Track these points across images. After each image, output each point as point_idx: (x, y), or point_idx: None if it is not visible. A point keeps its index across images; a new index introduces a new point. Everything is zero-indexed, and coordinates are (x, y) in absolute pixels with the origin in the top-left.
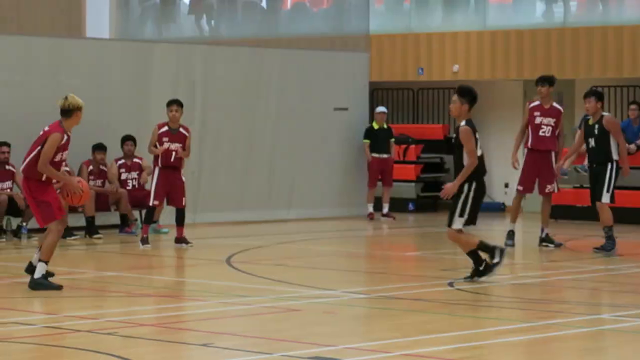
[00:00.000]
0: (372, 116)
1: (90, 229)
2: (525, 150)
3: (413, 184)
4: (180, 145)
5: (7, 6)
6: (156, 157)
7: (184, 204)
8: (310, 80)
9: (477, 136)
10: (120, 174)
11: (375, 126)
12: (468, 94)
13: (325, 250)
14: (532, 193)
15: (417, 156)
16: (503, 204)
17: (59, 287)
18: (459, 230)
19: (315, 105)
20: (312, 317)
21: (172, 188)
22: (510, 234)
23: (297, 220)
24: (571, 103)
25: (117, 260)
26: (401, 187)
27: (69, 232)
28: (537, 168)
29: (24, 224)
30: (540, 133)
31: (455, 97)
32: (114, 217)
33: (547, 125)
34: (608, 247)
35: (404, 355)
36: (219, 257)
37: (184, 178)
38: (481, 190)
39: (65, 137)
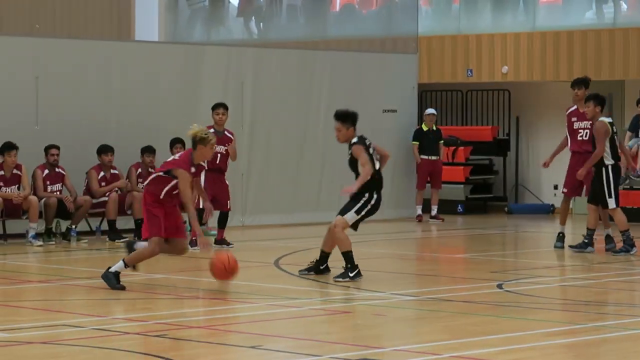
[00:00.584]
0: (421, 118)
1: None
2: (570, 154)
3: (462, 185)
4: (226, 148)
5: (59, 11)
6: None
7: (228, 207)
8: (359, 83)
9: (372, 151)
10: None
11: (425, 128)
12: (349, 118)
13: (373, 252)
14: (581, 196)
15: (465, 158)
16: (552, 205)
17: (121, 287)
18: (346, 226)
19: (365, 108)
20: (361, 319)
21: (218, 191)
22: (560, 236)
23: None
24: (621, 104)
25: (165, 262)
26: (450, 189)
27: (118, 234)
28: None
29: (73, 226)
30: (579, 137)
31: (338, 125)
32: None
33: (584, 129)
34: (625, 249)
35: (453, 357)
36: (268, 259)
37: (227, 181)
38: (376, 206)
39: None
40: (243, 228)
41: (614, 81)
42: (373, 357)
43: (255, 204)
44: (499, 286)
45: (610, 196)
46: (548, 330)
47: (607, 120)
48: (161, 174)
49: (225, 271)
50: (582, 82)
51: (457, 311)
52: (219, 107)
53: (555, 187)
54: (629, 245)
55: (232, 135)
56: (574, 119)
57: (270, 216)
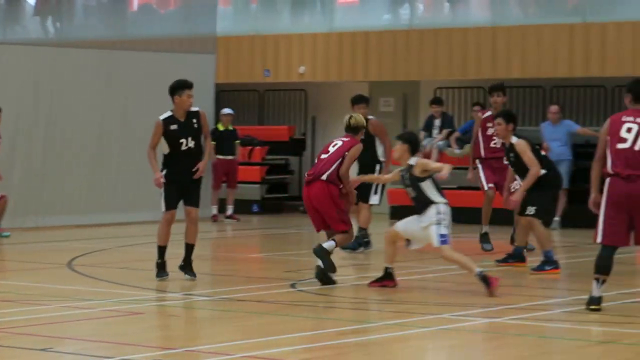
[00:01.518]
0: (217, 118)
1: None
2: (478, 161)
3: (258, 185)
4: None
5: None
6: None
7: None
8: (158, 82)
9: None
10: None
11: (221, 128)
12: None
13: (168, 253)
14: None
15: (262, 158)
16: None
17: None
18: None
19: (163, 108)
20: (155, 320)
21: None
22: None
23: (140, 223)
24: (416, 105)
25: None
26: (246, 189)
27: None
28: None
29: None
30: (492, 144)
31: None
32: None
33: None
34: (353, 246)
35: (246, 357)
36: (62, 260)
37: None
38: None
39: None
40: (37, 229)
41: (409, 82)
42: (166, 359)
43: (50, 205)
44: (293, 285)
45: (375, 193)
46: (341, 329)
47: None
48: None
49: None
50: (500, 89)
51: (250, 311)
52: None
53: None
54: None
55: None
56: (489, 124)
57: (65, 217)
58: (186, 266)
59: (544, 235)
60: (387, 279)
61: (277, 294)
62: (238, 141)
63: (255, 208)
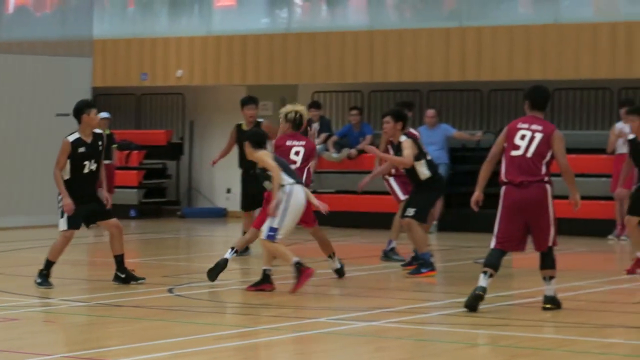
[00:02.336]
0: None
1: None
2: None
3: (135, 190)
4: None
5: None
6: None
7: None
8: (33, 86)
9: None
10: None
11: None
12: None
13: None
14: None
15: (139, 162)
16: (225, 209)
17: None
18: None
19: (39, 111)
20: (31, 326)
21: None
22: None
23: (19, 228)
24: None
25: None
26: (123, 193)
27: None
28: None
29: None
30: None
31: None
32: None
33: None
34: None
35: None
36: None
37: None
38: None
39: None
40: None
41: (287, 85)
42: None
43: None
44: (170, 290)
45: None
46: (218, 334)
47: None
48: None
49: None
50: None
51: (127, 316)
52: None
53: (228, 191)
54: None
55: None
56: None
57: None
58: (129, 276)
59: (421, 238)
60: (264, 282)
61: (155, 299)
62: (115, 145)
63: (132, 213)
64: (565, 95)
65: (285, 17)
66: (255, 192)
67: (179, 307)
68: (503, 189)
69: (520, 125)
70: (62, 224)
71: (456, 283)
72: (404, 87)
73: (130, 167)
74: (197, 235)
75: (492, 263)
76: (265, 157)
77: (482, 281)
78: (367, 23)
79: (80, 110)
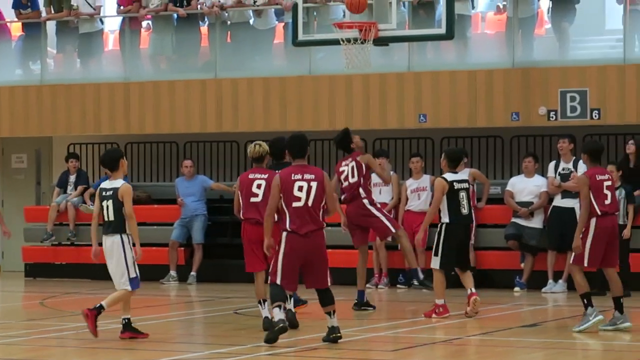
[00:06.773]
0: None
1: None
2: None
3: None
4: None
5: None
6: None
7: None
8: None
9: None
10: None
11: None
12: None
13: None
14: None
15: None
16: None
17: None
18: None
19: None
20: None
21: None
22: None
23: None
24: (49, 161)
25: None
26: None
27: None
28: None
29: None
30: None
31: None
32: None
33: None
34: None
35: None
36: None
37: None
38: None
39: None
40: None
41: (42, 137)
42: None
43: None
44: None
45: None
46: None
47: None
48: None
49: None
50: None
51: None
52: None
53: None
54: None
55: None
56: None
57: None
58: None
59: None
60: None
61: None
62: None
63: None
64: (320, 146)
65: (38, 69)
66: None
67: None
68: (285, 235)
69: (294, 176)
70: None
71: (218, 334)
72: (161, 138)
73: None
74: None
75: (278, 296)
76: None
77: (279, 314)
78: (122, 75)
79: None
